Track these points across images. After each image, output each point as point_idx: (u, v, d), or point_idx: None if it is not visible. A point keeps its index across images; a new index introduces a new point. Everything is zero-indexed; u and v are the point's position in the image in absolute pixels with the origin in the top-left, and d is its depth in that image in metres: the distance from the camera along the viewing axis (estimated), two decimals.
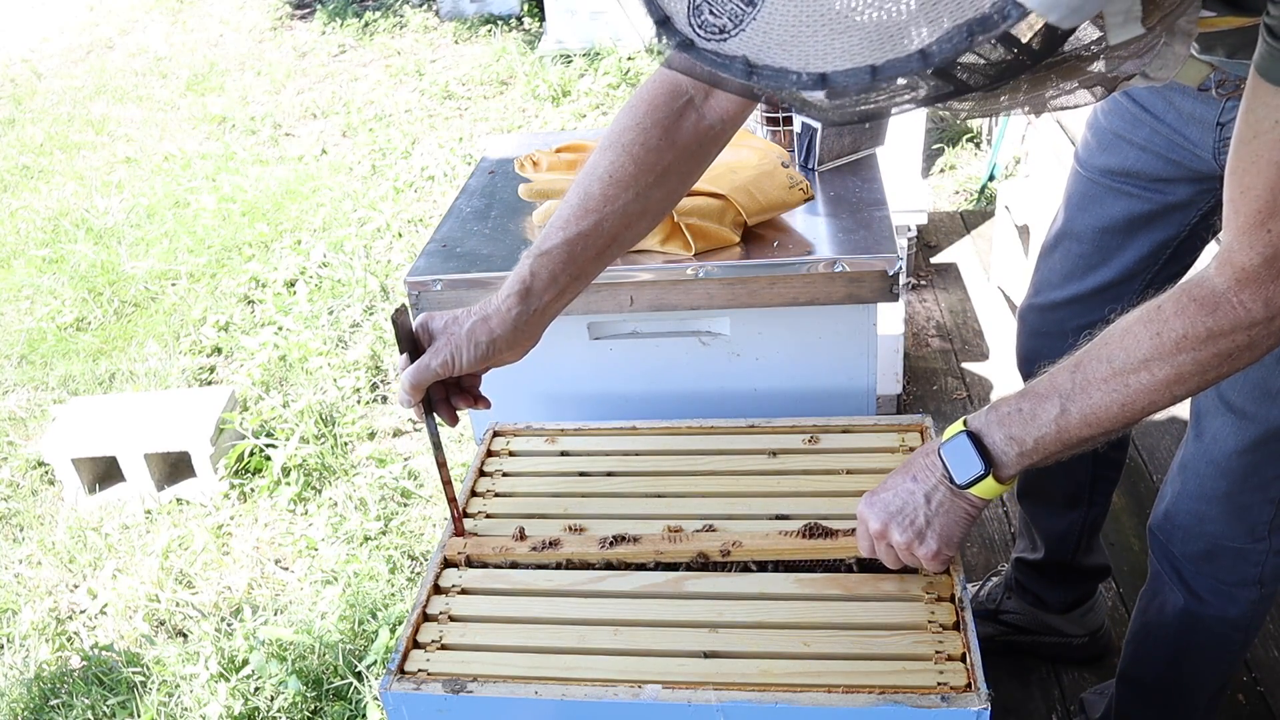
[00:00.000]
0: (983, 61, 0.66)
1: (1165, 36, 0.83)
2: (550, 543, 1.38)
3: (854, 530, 1.26)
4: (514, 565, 1.41)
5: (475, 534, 1.43)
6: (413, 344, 1.28)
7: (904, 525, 1.16)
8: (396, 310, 1.27)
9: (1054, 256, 1.72)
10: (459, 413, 1.37)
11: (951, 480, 1.11)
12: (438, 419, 1.34)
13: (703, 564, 1.35)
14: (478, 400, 1.35)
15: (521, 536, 1.40)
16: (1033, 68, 0.69)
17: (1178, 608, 1.59)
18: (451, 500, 1.42)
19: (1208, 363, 0.99)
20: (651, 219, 1.31)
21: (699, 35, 0.66)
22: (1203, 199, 1.53)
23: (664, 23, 0.68)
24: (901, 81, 0.65)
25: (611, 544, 1.36)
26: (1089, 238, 1.64)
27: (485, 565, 1.40)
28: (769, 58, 0.64)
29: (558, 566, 1.38)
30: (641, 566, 1.36)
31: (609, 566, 1.37)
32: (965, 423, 1.12)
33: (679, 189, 1.31)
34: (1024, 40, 0.66)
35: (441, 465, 1.37)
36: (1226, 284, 0.97)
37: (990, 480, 1.10)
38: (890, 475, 1.20)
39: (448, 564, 1.41)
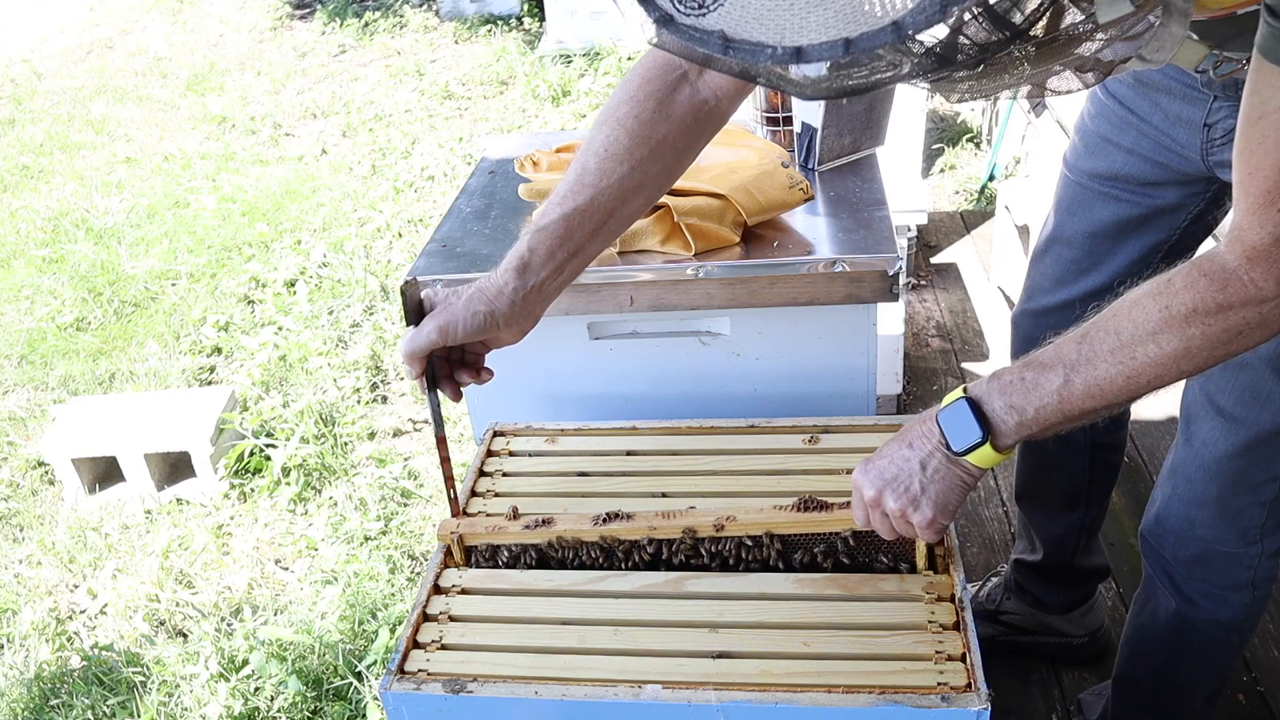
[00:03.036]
0: (963, 37, 0.66)
1: (1162, 17, 0.83)
2: (543, 521, 1.37)
3: (849, 503, 1.24)
4: (515, 561, 1.41)
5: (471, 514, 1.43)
6: (419, 317, 1.27)
7: (898, 492, 1.13)
8: (406, 283, 1.26)
9: (1045, 261, 1.71)
10: (462, 388, 1.34)
11: (948, 447, 1.09)
12: (441, 395, 1.32)
13: (695, 540, 1.34)
14: (481, 373, 1.33)
15: (515, 515, 1.40)
16: (1014, 43, 0.68)
17: (1170, 611, 1.59)
18: (449, 480, 1.40)
19: (1217, 338, 0.98)
20: (648, 195, 1.30)
21: (679, 10, 0.66)
22: (1192, 202, 1.53)
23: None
24: (883, 56, 0.65)
25: (605, 521, 1.35)
26: (1079, 242, 1.64)
27: (479, 545, 1.40)
28: (745, 32, 0.64)
29: (549, 546, 1.37)
30: (635, 544, 1.35)
31: (603, 546, 1.36)
32: (965, 389, 1.10)
33: (675, 165, 1.30)
34: (1004, 14, 0.66)
35: (441, 442, 1.36)
36: (1237, 261, 0.96)
37: (987, 448, 1.07)
38: (886, 443, 1.17)
39: (447, 562, 1.41)
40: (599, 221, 1.24)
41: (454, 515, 1.42)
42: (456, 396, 1.33)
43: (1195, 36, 1.22)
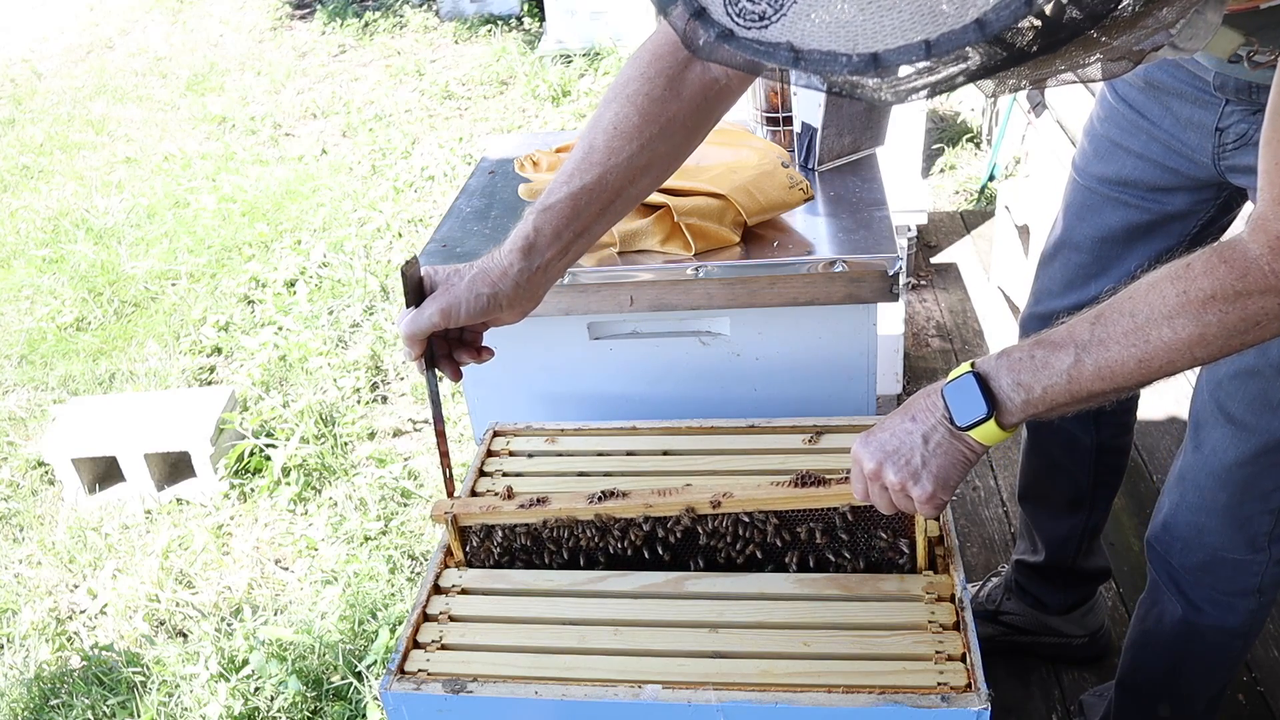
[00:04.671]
0: (1035, 27, 0.63)
1: (1197, 4, 0.81)
2: (538, 500, 1.36)
3: (847, 478, 1.22)
4: (508, 543, 1.40)
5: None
6: (420, 297, 1.25)
7: (899, 465, 1.10)
8: (406, 262, 1.24)
9: (1054, 265, 1.70)
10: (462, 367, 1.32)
11: (952, 421, 1.06)
12: (440, 375, 1.30)
13: (693, 519, 1.33)
14: (481, 352, 1.30)
15: (509, 495, 1.39)
16: (1091, 30, 0.66)
17: (1176, 617, 1.58)
18: (445, 460, 1.38)
19: (1233, 326, 0.96)
20: (656, 174, 1.27)
21: (738, 24, 0.64)
22: (1202, 209, 1.51)
23: (700, 14, 0.66)
24: (952, 54, 0.63)
25: (600, 499, 1.34)
26: (1088, 247, 1.63)
27: (473, 526, 1.39)
28: (815, 41, 0.62)
29: (544, 526, 1.36)
30: (632, 523, 1.34)
31: (598, 526, 1.35)
32: (973, 364, 1.07)
33: (684, 145, 1.26)
34: (1091, 3, 0.63)
35: (438, 423, 1.35)
36: (1260, 250, 0.94)
37: (992, 425, 1.04)
38: (888, 415, 1.14)
39: (447, 562, 1.41)
40: (606, 201, 1.21)
41: (449, 496, 1.41)
42: (456, 376, 1.31)
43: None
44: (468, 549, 1.42)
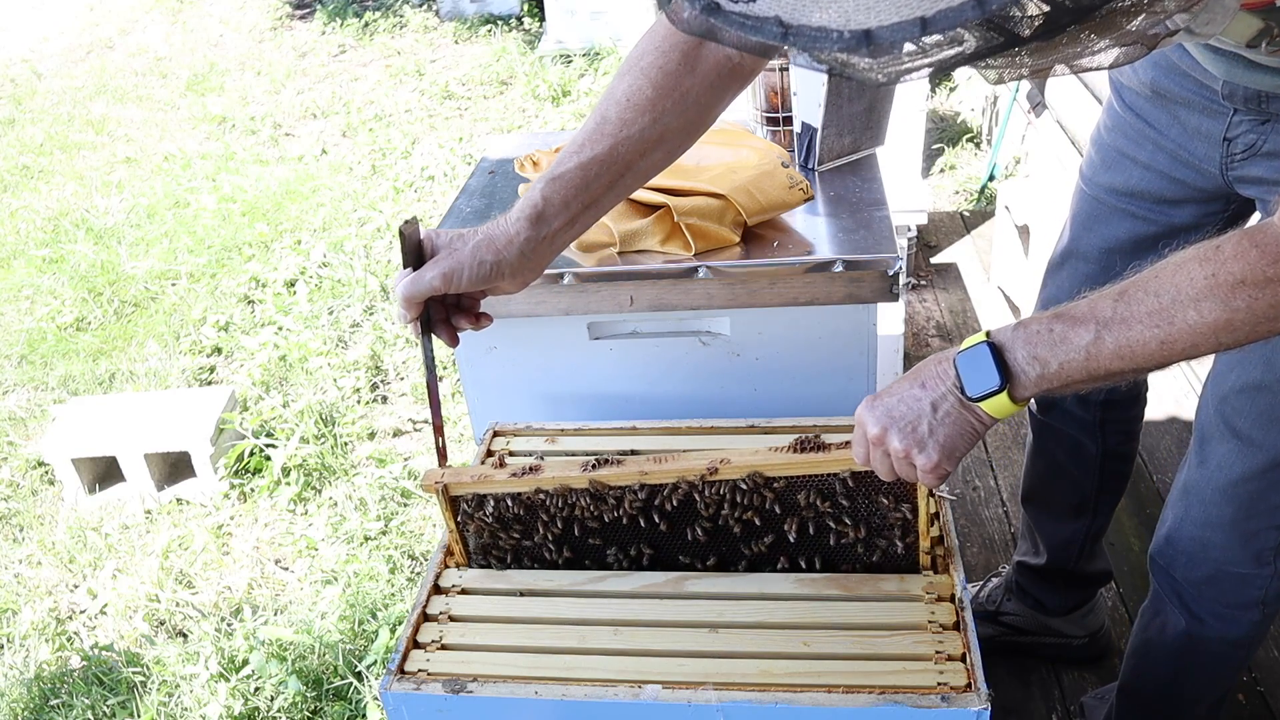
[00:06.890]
0: (1034, 9, 0.61)
1: None
2: (530, 469, 1.35)
3: (847, 444, 1.20)
4: (499, 512, 1.39)
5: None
6: (419, 259, 1.22)
7: (905, 432, 1.07)
8: (405, 222, 1.22)
9: (1061, 274, 1.69)
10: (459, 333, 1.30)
11: (962, 390, 1.03)
12: (436, 340, 1.28)
13: (690, 486, 1.31)
14: (479, 319, 1.28)
15: (501, 464, 1.38)
16: (1093, 12, 0.64)
17: (1179, 629, 1.58)
18: (438, 428, 1.37)
19: (1262, 313, 0.93)
20: (667, 150, 1.24)
21: None
22: (1210, 222, 1.49)
23: None
24: (946, 36, 0.60)
25: (594, 467, 1.32)
26: (1095, 257, 1.61)
27: (465, 496, 1.37)
28: (804, 16, 0.59)
29: (538, 494, 1.35)
30: (626, 489, 1.32)
31: (593, 494, 1.34)
32: (988, 334, 1.04)
33: (698, 121, 1.24)
34: None
35: (432, 390, 1.33)
36: None
37: (1003, 397, 1.02)
38: (896, 381, 1.11)
39: (446, 562, 1.41)
40: (617, 173, 1.20)
41: (441, 465, 1.40)
42: (454, 341, 1.29)
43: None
44: (459, 519, 1.39)
